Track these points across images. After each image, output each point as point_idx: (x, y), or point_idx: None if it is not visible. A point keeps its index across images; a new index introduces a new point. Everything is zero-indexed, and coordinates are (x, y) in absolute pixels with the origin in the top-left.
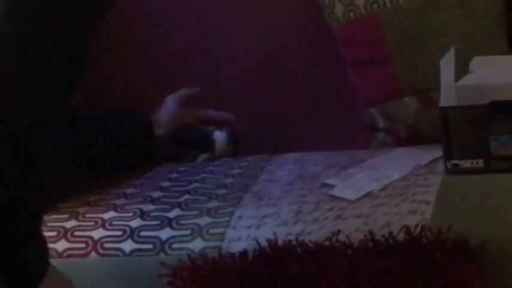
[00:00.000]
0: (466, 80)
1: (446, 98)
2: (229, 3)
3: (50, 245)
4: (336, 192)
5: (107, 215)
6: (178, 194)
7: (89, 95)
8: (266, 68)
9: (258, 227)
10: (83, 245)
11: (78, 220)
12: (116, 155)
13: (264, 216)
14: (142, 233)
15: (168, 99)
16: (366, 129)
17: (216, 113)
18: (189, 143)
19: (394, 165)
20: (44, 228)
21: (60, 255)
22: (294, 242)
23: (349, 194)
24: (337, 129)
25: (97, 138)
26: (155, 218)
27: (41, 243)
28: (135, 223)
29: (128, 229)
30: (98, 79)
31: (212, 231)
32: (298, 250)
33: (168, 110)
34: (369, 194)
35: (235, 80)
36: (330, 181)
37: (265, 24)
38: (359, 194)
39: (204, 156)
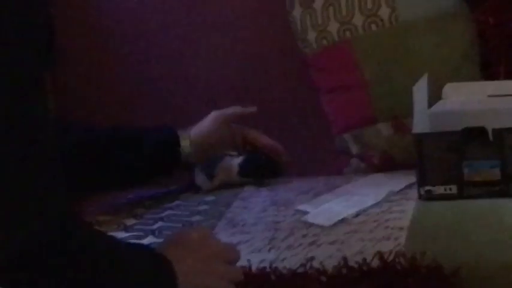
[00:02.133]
0: (439, 106)
1: (420, 124)
2: (205, 31)
3: None
4: (310, 218)
5: None
6: (151, 221)
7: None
8: (240, 95)
9: None
10: None
11: None
12: (139, 170)
13: (238, 243)
14: None
15: (210, 115)
16: (339, 155)
17: (267, 139)
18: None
19: (368, 191)
20: None
21: None
22: (268, 269)
23: (323, 220)
24: (310, 155)
25: (121, 155)
26: None
27: None
28: None
29: None
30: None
31: None
32: (272, 277)
33: (203, 126)
34: (343, 221)
35: (209, 105)
36: (303, 207)
37: (240, 52)
38: (333, 221)
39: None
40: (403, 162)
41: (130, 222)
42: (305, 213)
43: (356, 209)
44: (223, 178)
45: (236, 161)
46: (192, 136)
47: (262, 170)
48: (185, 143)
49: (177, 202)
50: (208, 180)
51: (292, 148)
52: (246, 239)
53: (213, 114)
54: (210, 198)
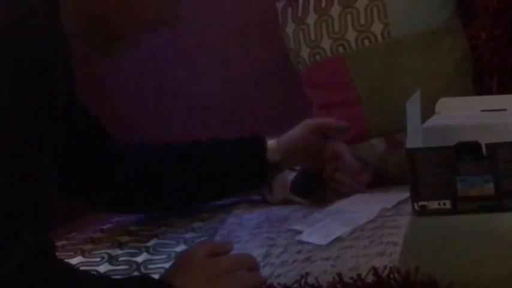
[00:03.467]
0: (432, 121)
1: (413, 140)
2: (199, 49)
3: None
4: (304, 237)
5: (74, 260)
6: (146, 239)
7: None
8: (234, 111)
9: None
10: (98, 259)
11: None
12: (218, 182)
13: None
14: None
15: (302, 122)
16: None
17: (350, 156)
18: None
19: (361, 208)
20: None
21: None
22: (263, 286)
23: (317, 239)
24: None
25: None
26: (123, 262)
27: None
28: (103, 268)
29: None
30: None
31: None
32: None
33: (292, 132)
34: (337, 240)
35: (203, 123)
36: (297, 227)
37: (234, 68)
38: (328, 239)
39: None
40: (397, 178)
41: (124, 239)
42: (299, 232)
43: (350, 228)
44: (281, 193)
45: (291, 176)
46: (280, 142)
47: (311, 188)
48: (273, 151)
49: (171, 219)
50: (269, 192)
51: None
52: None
53: (305, 122)
54: (204, 214)
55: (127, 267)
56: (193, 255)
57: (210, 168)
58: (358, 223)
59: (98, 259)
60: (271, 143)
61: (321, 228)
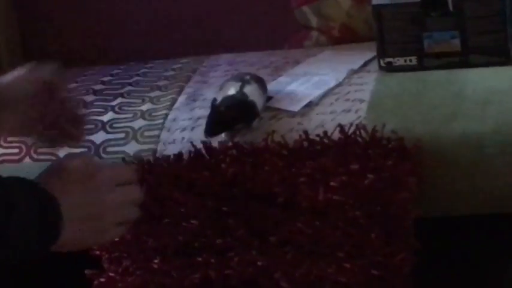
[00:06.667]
0: None
1: None
2: None
3: None
4: (276, 104)
5: None
6: (111, 97)
7: None
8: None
9: (192, 128)
10: (17, 150)
11: None
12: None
13: (198, 118)
14: None
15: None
16: (299, 28)
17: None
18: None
19: (328, 70)
20: None
21: None
22: (230, 144)
23: (289, 105)
24: (270, 29)
25: None
26: (88, 121)
27: None
28: None
29: None
30: None
31: (146, 133)
32: (234, 152)
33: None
34: (309, 104)
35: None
36: None
37: None
38: (299, 105)
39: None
40: (363, 34)
41: (90, 98)
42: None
43: (320, 91)
44: None
45: None
46: None
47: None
48: None
49: (136, 78)
50: None
51: (252, 22)
52: (206, 113)
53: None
54: (169, 73)
55: (92, 126)
56: (71, 164)
57: None
58: (328, 86)
59: None
60: None
61: (290, 93)
